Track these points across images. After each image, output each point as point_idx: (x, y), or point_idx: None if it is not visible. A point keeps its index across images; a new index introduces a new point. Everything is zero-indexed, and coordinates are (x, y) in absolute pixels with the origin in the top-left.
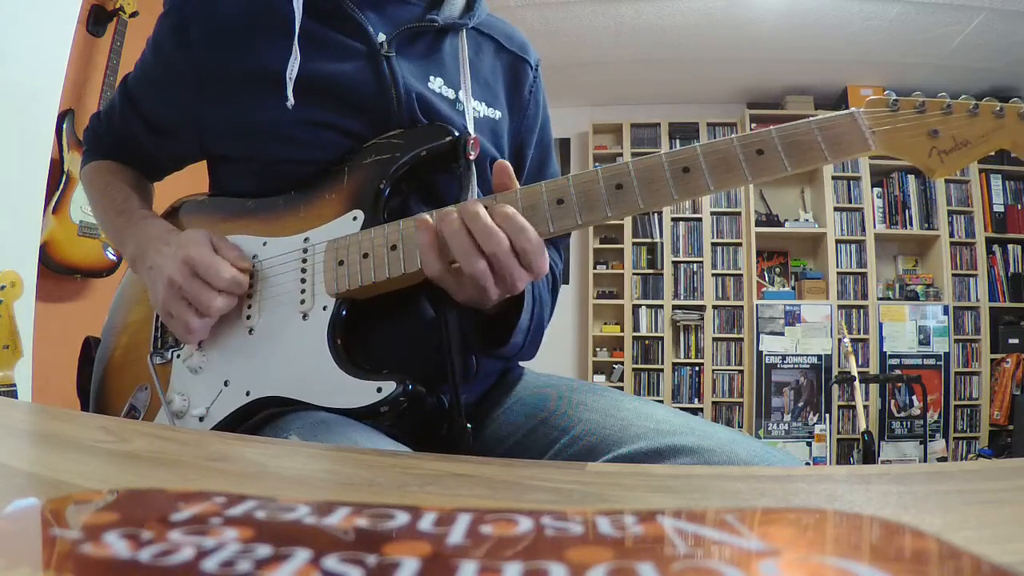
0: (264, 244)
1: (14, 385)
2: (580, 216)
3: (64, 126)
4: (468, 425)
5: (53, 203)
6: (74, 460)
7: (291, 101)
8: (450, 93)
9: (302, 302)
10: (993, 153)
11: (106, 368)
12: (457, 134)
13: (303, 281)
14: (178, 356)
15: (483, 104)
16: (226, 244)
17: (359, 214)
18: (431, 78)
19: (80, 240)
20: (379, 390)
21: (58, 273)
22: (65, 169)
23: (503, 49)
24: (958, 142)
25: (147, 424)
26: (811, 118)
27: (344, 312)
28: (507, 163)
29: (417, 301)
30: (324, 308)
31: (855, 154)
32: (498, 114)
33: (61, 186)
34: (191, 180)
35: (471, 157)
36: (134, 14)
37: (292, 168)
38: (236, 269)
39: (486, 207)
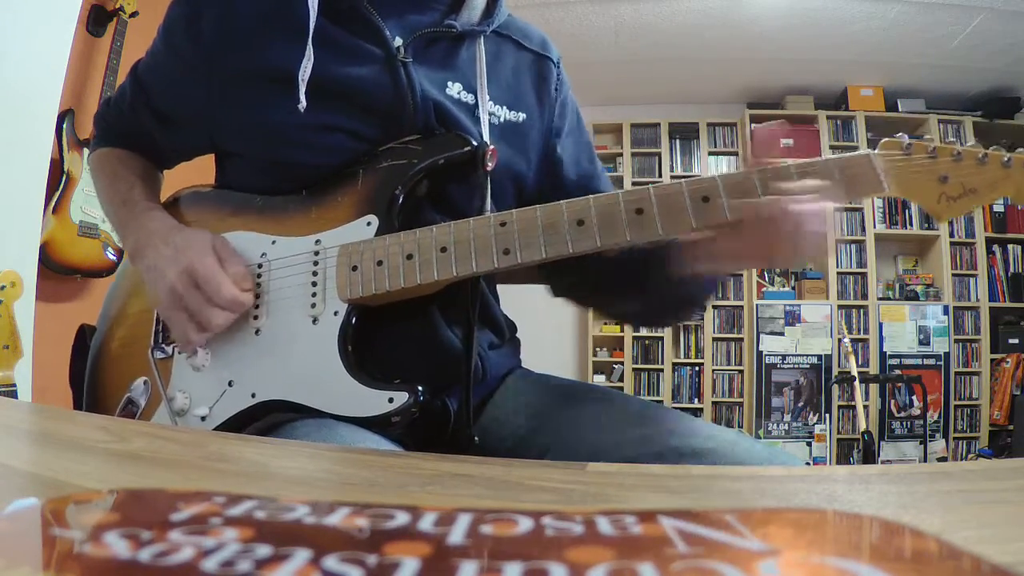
0: (273, 243)
1: (14, 385)
2: (599, 239)
3: (64, 126)
4: (475, 438)
5: (53, 203)
6: (74, 460)
7: (303, 103)
8: (469, 99)
9: (312, 306)
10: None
11: (102, 359)
12: (476, 144)
13: (314, 284)
14: (180, 352)
15: (505, 108)
16: (230, 255)
17: (373, 219)
18: (449, 84)
19: (80, 240)
20: (391, 400)
21: (58, 273)
22: (65, 169)
23: (523, 48)
24: (966, 189)
25: (147, 424)
26: (827, 157)
27: (355, 318)
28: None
29: (426, 309)
30: (335, 313)
31: (869, 195)
32: (522, 116)
33: (61, 186)
34: (198, 171)
35: (488, 168)
36: (134, 14)
37: (302, 170)
38: (238, 290)
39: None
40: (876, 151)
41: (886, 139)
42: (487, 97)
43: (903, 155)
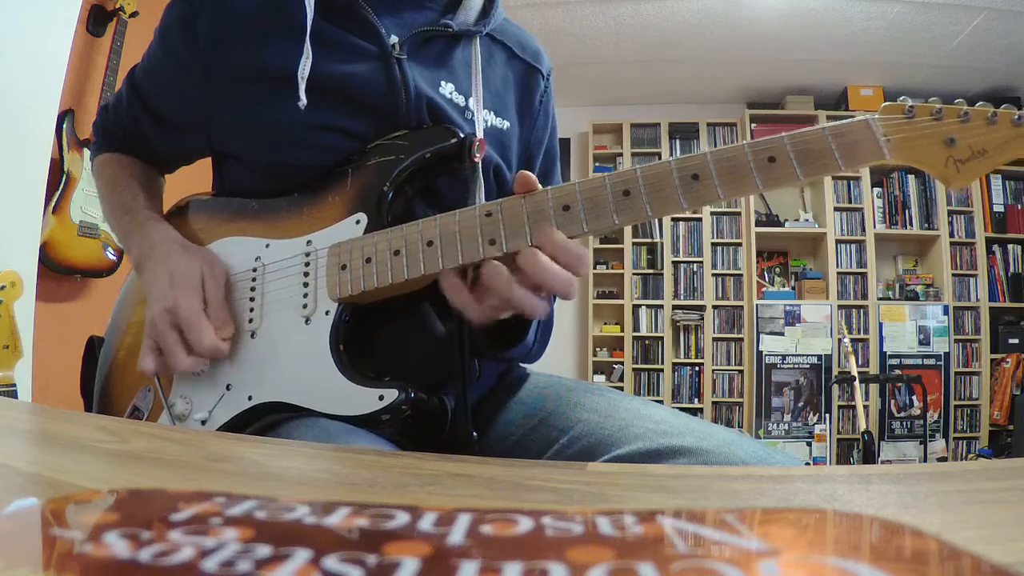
0: (267, 246)
1: (14, 385)
2: (586, 224)
3: (64, 126)
4: (475, 434)
5: (53, 203)
6: (74, 460)
7: (303, 101)
8: (460, 100)
9: (304, 306)
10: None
11: (110, 368)
12: (462, 135)
13: (306, 285)
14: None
15: (491, 113)
16: (216, 298)
17: (362, 217)
18: (442, 83)
19: (80, 240)
20: (381, 398)
21: (58, 273)
22: (65, 169)
23: (515, 57)
24: (975, 151)
25: (147, 424)
26: (824, 125)
27: (346, 317)
28: (531, 175)
29: (419, 306)
30: (327, 313)
31: (869, 163)
32: (506, 124)
33: (61, 186)
34: (199, 174)
35: (476, 159)
36: (134, 14)
37: (297, 170)
38: (218, 340)
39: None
40: (876, 116)
41: (886, 104)
42: (482, 95)
43: (905, 119)
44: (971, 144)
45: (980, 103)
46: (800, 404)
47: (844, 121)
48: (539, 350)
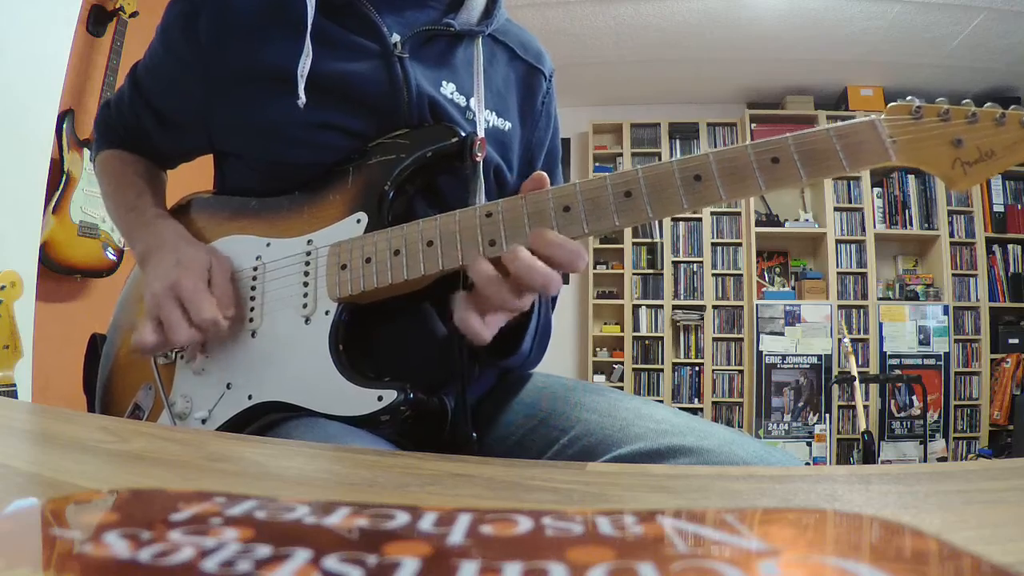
0: (268, 245)
1: (14, 385)
2: (587, 224)
3: (64, 126)
4: (474, 434)
5: (53, 203)
6: (74, 460)
7: (302, 100)
8: (461, 100)
9: (304, 306)
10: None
11: (112, 366)
12: (464, 134)
13: (306, 284)
14: (181, 357)
15: (493, 114)
16: (221, 278)
17: (363, 216)
18: (444, 83)
19: (80, 240)
20: (380, 398)
21: (58, 273)
22: (65, 169)
23: (517, 58)
24: (983, 153)
25: (147, 424)
26: (828, 125)
27: (346, 317)
28: (546, 177)
29: (419, 306)
30: (326, 313)
31: (874, 164)
32: (508, 125)
33: (61, 186)
34: (199, 173)
35: (477, 159)
36: (134, 14)
37: (296, 169)
38: (219, 314)
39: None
40: (882, 116)
41: (893, 103)
42: (483, 95)
43: (912, 119)
44: (979, 145)
45: (988, 104)
46: (800, 404)
47: (849, 122)
48: (536, 358)
